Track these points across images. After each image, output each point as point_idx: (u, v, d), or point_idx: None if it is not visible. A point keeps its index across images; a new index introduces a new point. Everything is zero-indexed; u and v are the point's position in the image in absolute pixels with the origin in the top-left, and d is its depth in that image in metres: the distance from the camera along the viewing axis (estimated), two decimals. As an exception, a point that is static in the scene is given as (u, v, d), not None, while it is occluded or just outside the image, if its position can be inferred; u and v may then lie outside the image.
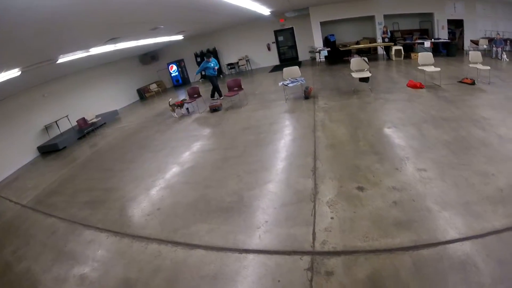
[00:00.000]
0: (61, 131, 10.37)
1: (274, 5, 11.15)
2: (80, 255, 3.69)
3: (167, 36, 11.71)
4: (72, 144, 9.70)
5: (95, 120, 10.90)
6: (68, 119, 10.73)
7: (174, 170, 5.58)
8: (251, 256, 2.94)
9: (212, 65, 10.35)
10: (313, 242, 2.94)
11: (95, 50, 7.78)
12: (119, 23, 6.06)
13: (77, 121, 10.34)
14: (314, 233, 3.06)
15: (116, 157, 7.28)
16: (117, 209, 4.61)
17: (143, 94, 16.20)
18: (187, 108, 10.00)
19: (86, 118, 10.57)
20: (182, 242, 3.39)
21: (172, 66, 17.77)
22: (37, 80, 9.29)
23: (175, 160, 6.01)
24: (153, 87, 16.45)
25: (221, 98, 10.37)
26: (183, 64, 17.88)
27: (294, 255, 2.83)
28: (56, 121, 10.23)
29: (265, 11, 12.00)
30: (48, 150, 9.38)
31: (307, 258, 2.76)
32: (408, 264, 2.49)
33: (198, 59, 17.46)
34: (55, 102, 10.61)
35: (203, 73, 10.69)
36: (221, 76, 16.93)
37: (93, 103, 12.18)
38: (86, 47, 7.28)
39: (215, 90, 10.75)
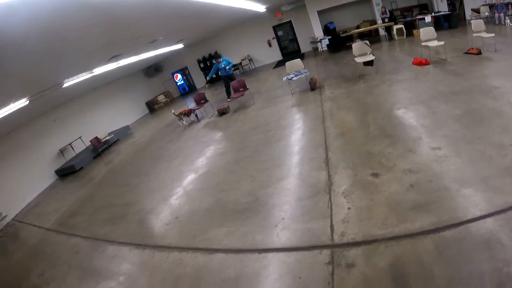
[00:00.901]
0: (76, 153, 10.62)
1: (268, 1, 11.08)
2: (105, 270, 3.78)
3: (167, 47, 11.81)
4: (88, 164, 9.92)
5: (108, 138, 11.11)
6: (82, 140, 10.98)
7: (188, 177, 5.63)
8: (270, 255, 2.93)
9: (222, 65, 10.21)
10: (332, 235, 2.90)
11: (98, 70, 7.92)
12: (117, 41, 6.15)
13: (90, 141, 10.57)
14: (332, 226, 3.02)
15: (131, 172, 7.40)
16: (136, 222, 4.69)
17: (152, 106, 16.43)
18: (196, 115, 10.07)
19: (99, 137, 10.79)
20: (202, 247, 3.41)
21: (177, 75, 17.96)
22: (46, 107, 9.55)
23: (189, 168, 6.06)
24: (161, 98, 16.67)
25: (228, 100, 10.35)
26: (187, 71, 18.05)
27: (313, 250, 2.80)
28: (70, 144, 10.49)
29: (260, 8, 11.95)
30: (65, 173, 9.62)
31: (326, 252, 2.72)
32: (430, 248, 2.41)
33: (202, 65, 17.59)
34: (66, 125, 10.90)
35: (214, 76, 10.57)
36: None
37: (104, 121, 12.43)
38: (89, 68, 7.42)
39: (227, 91, 10.68)
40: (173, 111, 10.40)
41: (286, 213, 3.49)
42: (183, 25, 8.51)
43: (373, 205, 3.14)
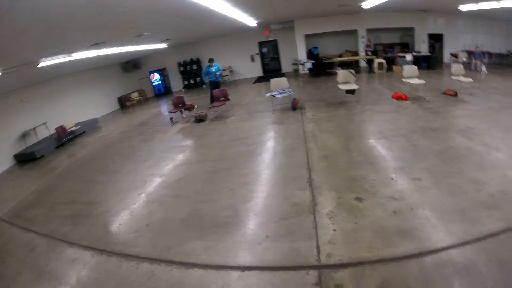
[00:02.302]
0: (39, 139, 9.82)
1: (261, 16, 11.20)
2: (63, 275, 3.37)
3: (152, 44, 11.48)
4: (50, 153, 9.16)
5: (74, 128, 10.41)
6: (47, 127, 10.20)
7: (161, 182, 5.31)
8: (254, 274, 2.77)
9: (213, 70, 10.10)
10: (318, 256, 2.83)
11: (77, 55, 7.48)
12: (105, 28, 5.87)
13: (55, 129, 9.81)
14: (318, 246, 2.96)
15: (97, 168, 6.90)
16: (101, 225, 4.29)
17: (124, 103, 15.71)
18: (171, 118, 9.73)
19: (65, 126, 10.07)
20: (177, 261, 3.14)
21: (154, 74, 17.36)
22: (16, 84, 8.82)
23: (162, 172, 5.73)
24: (135, 95, 16.05)
25: (210, 107, 10.11)
26: (165, 73, 17.56)
27: (300, 270, 2.71)
28: (34, 128, 9.71)
29: (251, 22, 12.02)
30: (25, 159, 8.82)
31: (314, 273, 2.65)
32: (415, 272, 2.53)
33: (182, 69, 17.26)
34: (33, 108, 10.05)
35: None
36: (204, 86, 16.70)
37: (73, 110, 11.64)
38: (69, 51, 7.00)
39: (212, 97, 10.43)
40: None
41: (270, 230, 3.37)
42: (173, 24, 8.30)
43: (358, 228, 3.17)
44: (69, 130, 10.16)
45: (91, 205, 4.98)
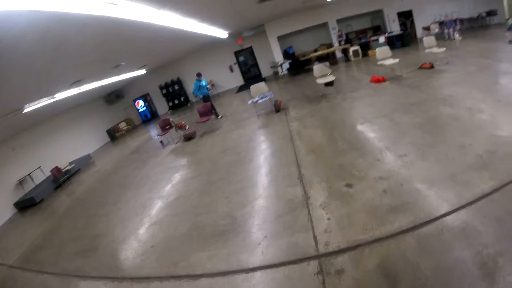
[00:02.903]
0: (36, 184, 9.89)
1: (231, 27, 11.41)
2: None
3: (130, 72, 11.63)
4: (50, 196, 9.23)
5: (69, 167, 10.49)
6: (42, 170, 10.28)
7: (159, 204, 5.41)
8: (258, 274, 2.88)
9: (203, 83, 10.34)
10: (316, 246, 2.95)
11: (60, 95, 7.61)
12: (83, 64, 5.99)
13: (50, 171, 9.89)
14: (315, 237, 3.07)
15: (97, 202, 6.98)
16: (109, 254, 4.39)
17: (114, 134, 15.81)
18: (161, 141, 9.84)
19: (59, 166, 10.15)
20: (185, 274, 3.26)
21: (139, 101, 17.53)
22: (4, 134, 8.95)
23: (159, 194, 5.84)
24: (123, 125, 16.17)
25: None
26: (149, 98, 17.69)
27: (301, 262, 2.82)
28: (29, 174, 9.78)
29: (222, 34, 12.23)
30: (25, 205, 8.88)
31: (314, 263, 2.76)
32: (413, 244, 2.59)
33: (164, 91, 17.41)
34: (25, 154, 10.18)
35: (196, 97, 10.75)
36: (189, 104, 16.91)
37: (64, 150, 11.74)
38: (51, 93, 7.11)
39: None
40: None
41: (267, 230, 3.49)
42: (146, 49, 8.48)
43: (352, 213, 3.28)
44: (64, 170, 10.24)
45: (97, 238, 5.07)
